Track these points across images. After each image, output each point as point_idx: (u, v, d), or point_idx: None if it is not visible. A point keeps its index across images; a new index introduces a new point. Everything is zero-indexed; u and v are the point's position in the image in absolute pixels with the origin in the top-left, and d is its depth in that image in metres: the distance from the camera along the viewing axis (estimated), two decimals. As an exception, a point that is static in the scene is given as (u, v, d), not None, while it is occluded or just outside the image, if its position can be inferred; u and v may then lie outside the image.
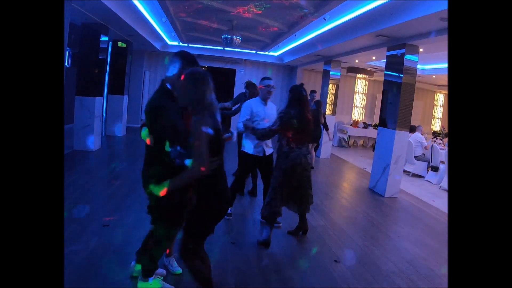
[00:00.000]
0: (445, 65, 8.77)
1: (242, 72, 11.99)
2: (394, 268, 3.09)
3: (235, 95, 11.84)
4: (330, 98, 8.89)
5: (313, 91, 7.31)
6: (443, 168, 6.75)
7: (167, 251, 2.57)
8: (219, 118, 1.93)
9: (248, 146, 3.72)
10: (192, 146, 1.78)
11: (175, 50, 9.04)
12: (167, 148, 1.91)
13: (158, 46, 10.08)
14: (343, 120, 12.21)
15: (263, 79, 3.68)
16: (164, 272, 2.53)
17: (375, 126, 11.05)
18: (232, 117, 8.09)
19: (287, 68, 12.22)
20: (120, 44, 8.83)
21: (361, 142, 11.95)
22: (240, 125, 3.56)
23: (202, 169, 1.76)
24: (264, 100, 3.66)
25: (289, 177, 3.29)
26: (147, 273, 2.25)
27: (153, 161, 2.09)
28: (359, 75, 12.10)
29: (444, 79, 10.40)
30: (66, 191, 4.09)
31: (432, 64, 9.07)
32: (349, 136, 11.41)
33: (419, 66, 6.68)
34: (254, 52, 10.94)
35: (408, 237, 3.97)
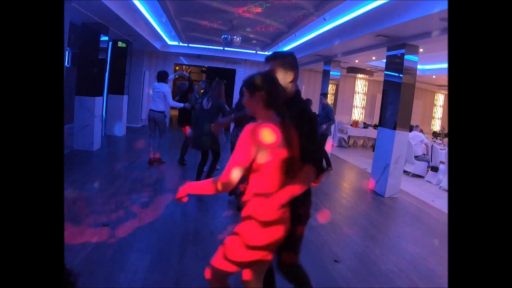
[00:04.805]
0: (445, 65, 8.77)
1: (242, 72, 11.98)
2: (394, 268, 3.09)
3: (235, 95, 11.86)
4: (330, 98, 8.90)
5: (321, 94, 7.37)
6: (443, 168, 6.75)
7: None
8: None
9: None
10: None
11: (175, 50, 9.07)
12: None
13: (158, 46, 10.08)
14: (343, 120, 12.21)
15: None
16: None
17: (375, 126, 11.06)
18: None
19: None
20: (120, 44, 8.83)
21: (361, 142, 11.95)
22: None
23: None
24: None
25: None
26: None
27: None
28: (359, 75, 12.10)
29: (444, 79, 10.41)
30: (66, 191, 4.09)
31: (432, 64, 9.07)
32: (349, 136, 11.41)
33: (419, 66, 6.68)
34: (254, 52, 10.94)
35: (408, 237, 3.97)
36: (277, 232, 1.57)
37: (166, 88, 5.81)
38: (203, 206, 4.30)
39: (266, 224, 1.53)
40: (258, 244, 1.54)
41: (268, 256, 1.62)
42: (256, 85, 1.55)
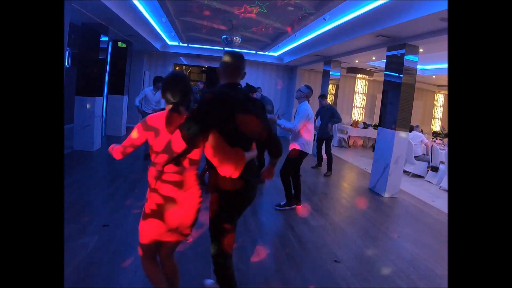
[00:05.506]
0: (445, 65, 8.77)
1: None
2: (394, 268, 3.09)
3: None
4: (330, 98, 8.91)
5: (320, 96, 7.21)
6: (443, 168, 6.75)
7: None
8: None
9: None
10: None
11: (175, 50, 9.09)
12: None
13: (158, 46, 10.08)
14: (343, 120, 12.22)
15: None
16: None
17: (375, 126, 11.06)
18: None
19: (287, 68, 12.22)
20: (120, 44, 8.83)
21: (361, 142, 11.95)
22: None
23: None
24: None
25: None
26: None
27: None
28: (359, 75, 12.10)
29: (444, 79, 10.41)
30: (66, 191, 4.09)
31: (432, 64, 9.08)
32: (349, 136, 11.41)
33: (419, 66, 6.68)
34: (254, 52, 10.94)
35: (408, 237, 3.97)
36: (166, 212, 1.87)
37: (144, 92, 6.36)
38: (202, 205, 4.30)
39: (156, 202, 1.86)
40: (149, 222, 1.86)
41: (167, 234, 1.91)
42: (162, 85, 1.92)
